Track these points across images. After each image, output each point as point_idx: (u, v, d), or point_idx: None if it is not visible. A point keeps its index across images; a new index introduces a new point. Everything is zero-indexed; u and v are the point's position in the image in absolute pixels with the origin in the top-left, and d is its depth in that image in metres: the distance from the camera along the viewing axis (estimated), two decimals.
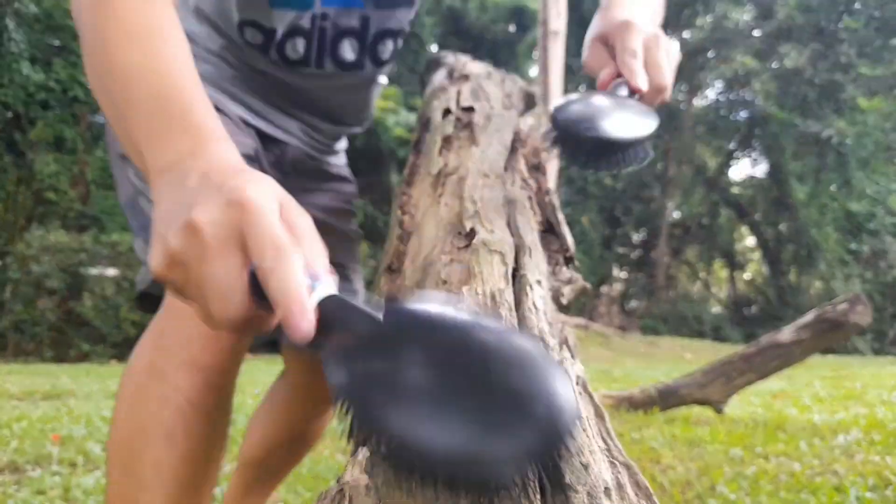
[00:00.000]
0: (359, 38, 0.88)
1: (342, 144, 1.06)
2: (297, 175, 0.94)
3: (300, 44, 0.85)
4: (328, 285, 0.38)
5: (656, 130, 0.68)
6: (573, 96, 0.71)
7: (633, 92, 0.69)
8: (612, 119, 0.67)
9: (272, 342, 1.04)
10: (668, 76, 0.70)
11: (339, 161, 1.05)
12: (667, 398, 3.14)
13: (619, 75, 0.70)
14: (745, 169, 32.50)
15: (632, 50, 0.70)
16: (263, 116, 0.91)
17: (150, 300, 0.84)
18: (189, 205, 0.40)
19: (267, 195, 0.40)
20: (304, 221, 0.41)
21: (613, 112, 0.67)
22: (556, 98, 0.90)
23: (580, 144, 0.67)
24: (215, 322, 0.40)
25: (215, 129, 0.48)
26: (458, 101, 0.95)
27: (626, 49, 0.70)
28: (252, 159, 0.84)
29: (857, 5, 13.11)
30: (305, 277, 0.37)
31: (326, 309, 0.37)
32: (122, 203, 0.90)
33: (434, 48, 12.95)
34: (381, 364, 0.35)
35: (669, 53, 0.72)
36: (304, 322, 0.36)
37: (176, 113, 0.48)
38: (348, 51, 0.88)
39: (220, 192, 0.40)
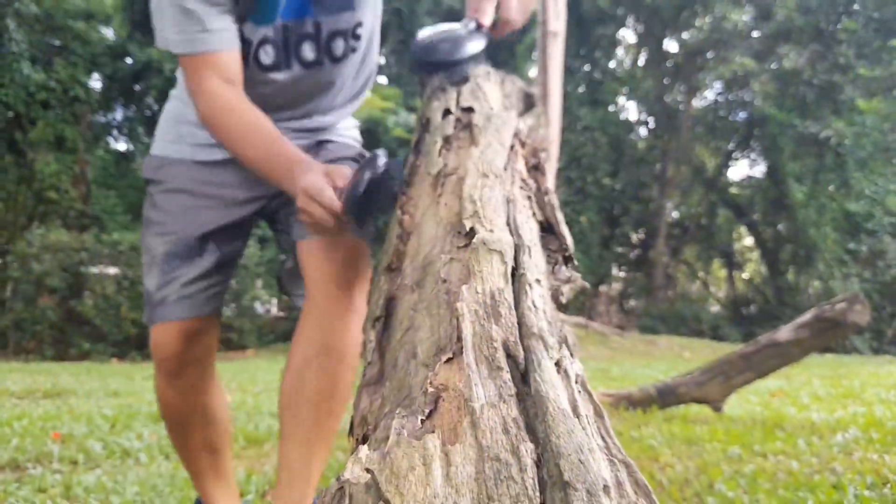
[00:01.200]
0: (314, 41, 1.13)
1: (332, 126, 1.30)
2: None
3: (270, 50, 1.12)
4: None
5: (480, 53, 1.04)
6: (429, 30, 1.10)
7: (479, 25, 1.06)
8: (445, 45, 1.03)
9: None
10: (512, 12, 1.10)
11: (331, 136, 1.30)
12: (665, 397, 3.15)
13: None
14: (744, 169, 32.56)
15: None
16: None
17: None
18: (298, 195, 0.93)
19: (314, 180, 0.91)
20: (338, 173, 0.92)
21: (447, 40, 1.04)
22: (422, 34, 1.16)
23: (422, 66, 1.10)
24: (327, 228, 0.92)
25: (300, 159, 0.99)
26: (457, 102, 0.95)
27: None
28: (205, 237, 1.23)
29: (855, 7, 13.12)
30: (331, 191, 0.90)
31: (346, 201, 0.89)
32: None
33: None
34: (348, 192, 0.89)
35: None
36: (335, 210, 0.89)
37: (284, 163, 0.99)
38: (308, 51, 1.14)
39: (302, 190, 0.92)
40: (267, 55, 1.12)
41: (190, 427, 1.31)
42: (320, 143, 1.26)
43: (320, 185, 0.89)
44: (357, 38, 1.17)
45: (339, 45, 1.15)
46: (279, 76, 1.15)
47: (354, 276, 1.09)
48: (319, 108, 1.24)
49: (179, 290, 1.21)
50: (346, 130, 1.33)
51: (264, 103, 1.09)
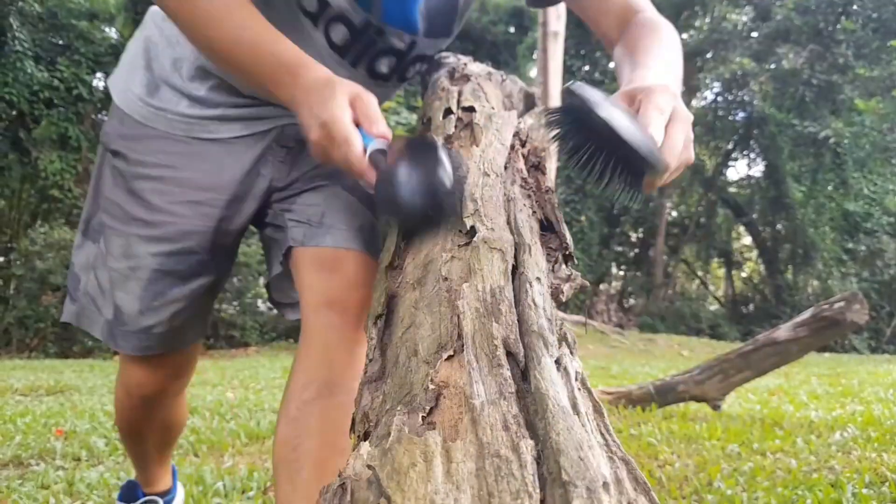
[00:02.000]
0: (398, 58, 0.94)
1: None
2: (298, 143, 0.97)
3: (343, 32, 0.89)
4: (376, 144, 0.71)
5: (654, 172, 0.61)
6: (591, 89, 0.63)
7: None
8: (626, 118, 0.60)
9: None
10: (680, 152, 0.66)
11: None
12: (664, 395, 3.15)
13: None
14: (743, 169, 32.49)
15: (660, 107, 0.66)
16: (252, 106, 0.95)
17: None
18: (308, 127, 0.73)
19: (338, 107, 0.70)
20: (367, 104, 0.73)
21: (630, 117, 0.61)
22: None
23: (584, 125, 0.60)
24: (344, 165, 0.72)
25: (300, 61, 0.75)
26: (458, 102, 0.96)
27: (655, 104, 0.66)
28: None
29: (854, 7, 13.11)
30: (361, 143, 0.71)
31: (372, 158, 0.71)
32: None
33: None
34: (387, 176, 0.69)
35: (688, 135, 0.68)
36: (364, 172, 0.71)
37: (276, 66, 0.75)
38: (384, 66, 0.95)
39: (316, 120, 0.71)
40: (338, 35, 0.89)
41: (149, 435, 1.20)
42: None
43: (346, 129, 0.69)
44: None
45: (416, 69, 0.98)
46: (333, 64, 0.89)
47: (363, 297, 0.88)
48: None
49: (170, 320, 0.97)
50: None
51: None
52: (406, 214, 0.68)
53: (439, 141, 0.73)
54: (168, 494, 1.37)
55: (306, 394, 0.85)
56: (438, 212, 0.66)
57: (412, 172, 0.67)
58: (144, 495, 1.34)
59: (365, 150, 0.70)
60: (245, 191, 0.96)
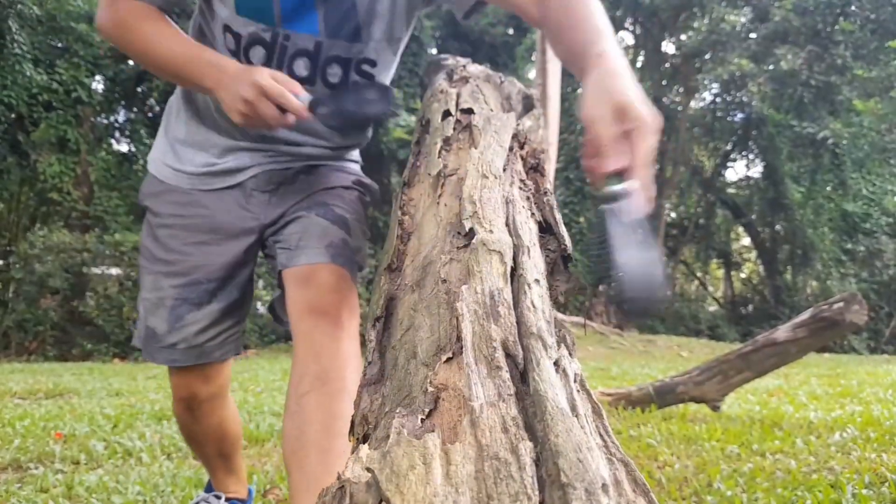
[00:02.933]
0: (311, 59, 1.09)
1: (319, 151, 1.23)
2: (280, 185, 1.19)
3: (260, 52, 1.07)
4: (307, 96, 0.98)
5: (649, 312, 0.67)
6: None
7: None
8: (641, 261, 0.65)
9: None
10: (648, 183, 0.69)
11: (334, 162, 1.25)
12: (664, 396, 3.15)
13: (619, 173, 0.68)
14: (741, 170, 32.51)
15: (647, 161, 0.69)
16: (227, 157, 1.19)
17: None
18: (233, 96, 0.96)
19: (263, 73, 0.95)
20: (286, 78, 0.97)
21: (646, 255, 0.65)
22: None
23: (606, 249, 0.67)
24: (273, 114, 0.96)
25: (224, 60, 1.02)
26: (457, 104, 0.96)
27: (644, 159, 0.69)
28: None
29: (852, 8, 13.13)
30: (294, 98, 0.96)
31: (313, 106, 0.98)
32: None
33: (434, 51, 12.95)
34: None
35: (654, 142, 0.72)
36: (301, 111, 0.96)
37: (203, 64, 1.00)
38: (301, 68, 1.09)
39: (248, 82, 0.95)
40: (256, 56, 1.07)
41: (204, 441, 1.38)
42: (312, 168, 1.21)
43: (278, 87, 0.93)
44: (362, 73, 1.12)
45: (335, 72, 1.10)
46: None
47: (339, 299, 1.03)
48: (312, 130, 1.17)
49: (191, 339, 1.19)
50: (345, 154, 1.27)
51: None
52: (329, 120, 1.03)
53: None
54: (240, 501, 1.49)
55: (301, 387, 0.97)
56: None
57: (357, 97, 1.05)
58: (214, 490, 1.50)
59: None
60: (238, 229, 1.18)
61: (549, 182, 0.86)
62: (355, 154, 1.30)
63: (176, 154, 1.21)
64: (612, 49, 0.80)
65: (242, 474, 1.51)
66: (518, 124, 0.93)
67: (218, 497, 1.46)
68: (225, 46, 1.08)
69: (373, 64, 1.11)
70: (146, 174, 1.28)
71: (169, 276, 1.18)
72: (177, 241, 1.18)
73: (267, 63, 1.07)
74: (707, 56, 14.73)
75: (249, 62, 1.07)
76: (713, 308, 16.71)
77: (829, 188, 14.32)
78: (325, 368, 0.97)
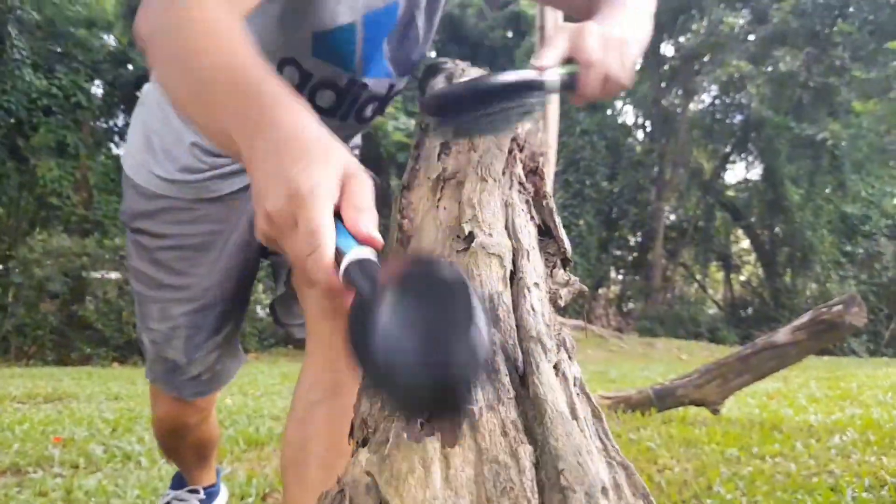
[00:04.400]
0: (381, 102, 0.99)
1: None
2: None
3: (329, 96, 0.93)
4: (359, 251, 0.47)
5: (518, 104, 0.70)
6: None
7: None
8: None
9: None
10: (600, 60, 0.71)
11: None
12: (663, 399, 3.15)
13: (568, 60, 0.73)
14: (741, 172, 32.52)
15: (567, 33, 0.74)
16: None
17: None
18: (264, 192, 0.48)
19: (321, 181, 0.47)
20: (362, 188, 0.49)
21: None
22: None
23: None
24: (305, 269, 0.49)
25: (289, 100, 0.53)
26: None
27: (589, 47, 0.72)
28: None
29: (851, 10, 13.16)
30: (334, 243, 0.46)
31: (349, 273, 0.46)
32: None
33: (433, 54, 12.99)
34: (372, 314, 0.42)
35: (622, 54, 0.73)
36: (333, 289, 0.47)
37: (256, 113, 0.52)
38: (370, 111, 1.00)
39: (285, 183, 0.47)
40: (324, 100, 0.94)
41: (184, 454, 1.34)
42: None
43: (322, 213, 0.46)
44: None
45: (390, 104, 1.04)
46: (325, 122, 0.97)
47: None
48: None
49: (214, 366, 1.11)
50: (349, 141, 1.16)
51: None
52: (393, 385, 0.42)
53: (464, 272, 0.48)
54: (211, 487, 1.47)
55: (312, 395, 0.89)
56: (447, 394, 0.40)
57: (417, 316, 0.42)
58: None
59: (337, 256, 0.46)
60: (249, 236, 1.03)
61: (549, 185, 0.86)
62: (357, 139, 1.19)
63: (168, 157, 1.01)
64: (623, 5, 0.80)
65: (213, 461, 1.46)
66: (517, 127, 0.94)
67: (196, 491, 1.44)
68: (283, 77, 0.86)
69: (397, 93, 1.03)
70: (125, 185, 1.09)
71: (180, 304, 1.05)
72: (185, 264, 1.04)
73: (335, 108, 0.95)
74: (706, 58, 14.76)
75: (313, 103, 0.92)
76: (713, 311, 16.70)
77: (828, 190, 14.33)
78: (339, 380, 0.88)
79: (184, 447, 1.31)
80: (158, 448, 1.42)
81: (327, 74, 0.90)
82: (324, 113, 0.92)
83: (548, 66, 0.71)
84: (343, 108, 0.95)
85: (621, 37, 0.74)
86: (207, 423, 1.30)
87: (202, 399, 1.18)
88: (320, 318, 0.93)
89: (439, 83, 1.06)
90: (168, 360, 1.08)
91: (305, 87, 0.91)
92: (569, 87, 0.73)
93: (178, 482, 1.49)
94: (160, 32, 0.62)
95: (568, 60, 0.73)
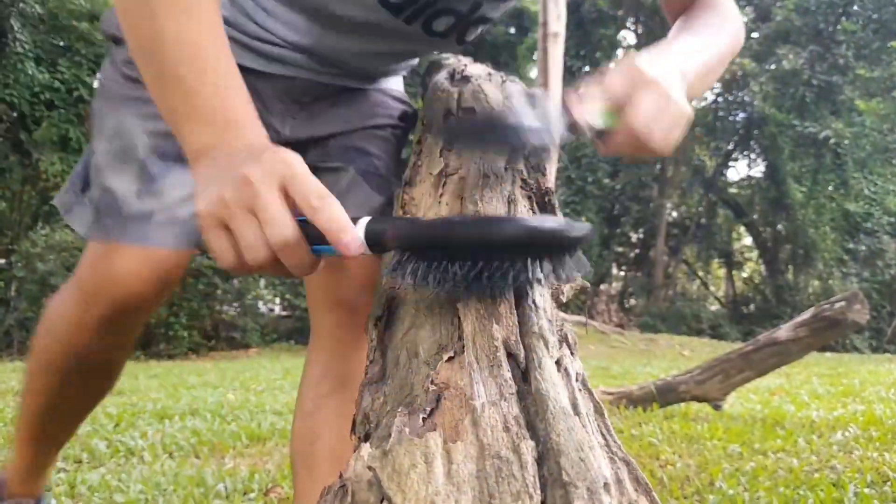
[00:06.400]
0: (458, 19, 0.86)
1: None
2: (315, 100, 0.93)
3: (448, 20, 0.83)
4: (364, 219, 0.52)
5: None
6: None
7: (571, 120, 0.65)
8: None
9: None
10: (643, 121, 0.62)
11: (381, 85, 1.02)
12: (665, 395, 3.15)
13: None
14: (743, 169, 32.50)
15: (602, 83, 0.64)
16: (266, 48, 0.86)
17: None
18: (235, 167, 0.49)
19: (300, 160, 0.50)
20: (308, 184, 0.50)
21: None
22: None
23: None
24: (257, 254, 0.50)
25: (249, 114, 0.56)
26: (458, 103, 0.96)
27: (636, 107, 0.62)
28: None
29: (854, 8, 13.12)
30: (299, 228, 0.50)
31: (371, 227, 0.51)
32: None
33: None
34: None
35: (671, 127, 0.64)
36: (354, 243, 0.50)
37: (209, 97, 0.55)
38: (441, 25, 0.86)
39: (261, 158, 0.50)
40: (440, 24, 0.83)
41: (83, 392, 1.01)
42: (351, 91, 0.95)
43: (278, 201, 0.49)
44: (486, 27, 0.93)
45: (476, 32, 0.91)
46: (382, 17, 0.81)
47: (369, 300, 0.85)
48: (375, 71, 0.96)
49: (174, 208, 0.79)
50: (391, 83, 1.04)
51: (319, 42, 0.80)
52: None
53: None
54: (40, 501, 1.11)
55: (322, 388, 0.87)
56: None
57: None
58: (9, 497, 1.04)
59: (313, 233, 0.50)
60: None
61: (551, 182, 0.86)
62: (401, 86, 1.10)
63: None
64: (683, 45, 0.72)
65: (50, 470, 1.15)
66: None
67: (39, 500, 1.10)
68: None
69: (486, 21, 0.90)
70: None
71: (145, 119, 0.80)
72: None
73: (402, 6, 0.80)
74: None
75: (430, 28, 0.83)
76: (715, 307, 16.70)
77: (830, 188, 14.31)
78: (350, 372, 0.85)
79: (94, 373, 0.98)
80: (31, 392, 1.02)
81: None
82: (387, 7, 0.80)
83: (586, 117, 0.63)
84: (411, 8, 0.81)
85: (679, 112, 0.65)
86: (136, 330, 0.94)
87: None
88: (325, 311, 0.90)
89: (441, 79, 1.06)
90: (107, 190, 0.80)
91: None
92: (599, 136, 0.66)
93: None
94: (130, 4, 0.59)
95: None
